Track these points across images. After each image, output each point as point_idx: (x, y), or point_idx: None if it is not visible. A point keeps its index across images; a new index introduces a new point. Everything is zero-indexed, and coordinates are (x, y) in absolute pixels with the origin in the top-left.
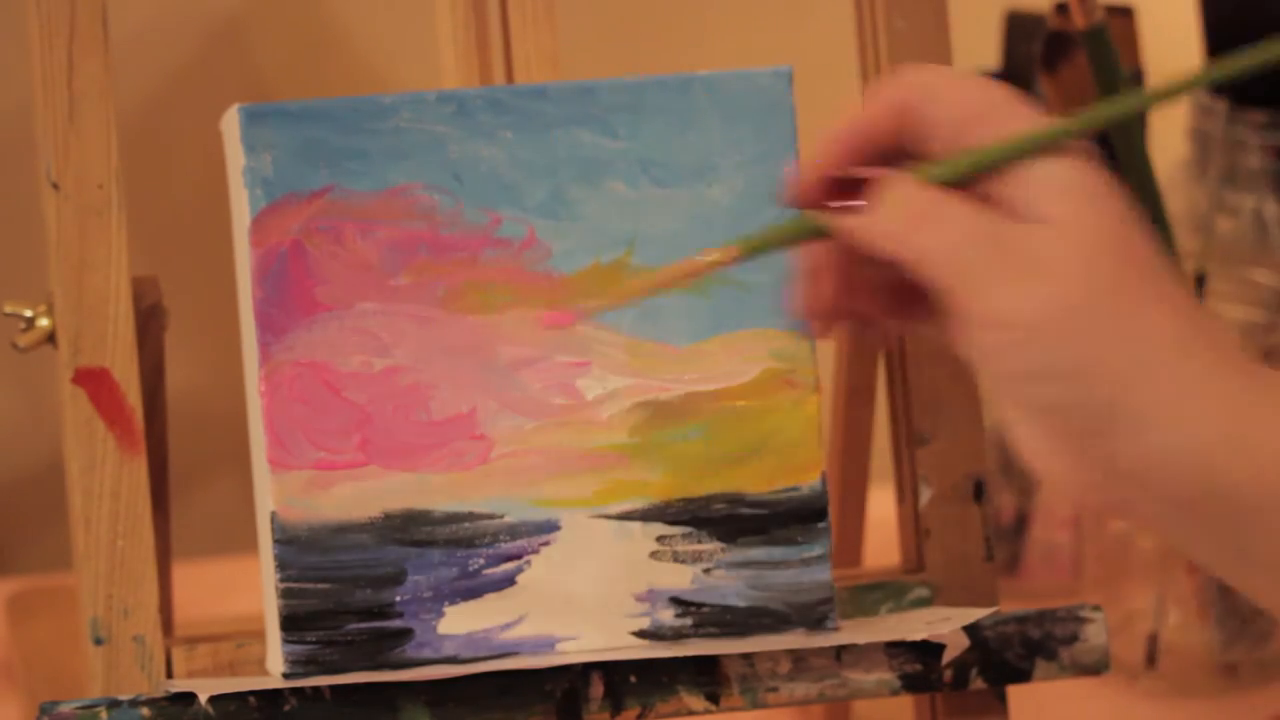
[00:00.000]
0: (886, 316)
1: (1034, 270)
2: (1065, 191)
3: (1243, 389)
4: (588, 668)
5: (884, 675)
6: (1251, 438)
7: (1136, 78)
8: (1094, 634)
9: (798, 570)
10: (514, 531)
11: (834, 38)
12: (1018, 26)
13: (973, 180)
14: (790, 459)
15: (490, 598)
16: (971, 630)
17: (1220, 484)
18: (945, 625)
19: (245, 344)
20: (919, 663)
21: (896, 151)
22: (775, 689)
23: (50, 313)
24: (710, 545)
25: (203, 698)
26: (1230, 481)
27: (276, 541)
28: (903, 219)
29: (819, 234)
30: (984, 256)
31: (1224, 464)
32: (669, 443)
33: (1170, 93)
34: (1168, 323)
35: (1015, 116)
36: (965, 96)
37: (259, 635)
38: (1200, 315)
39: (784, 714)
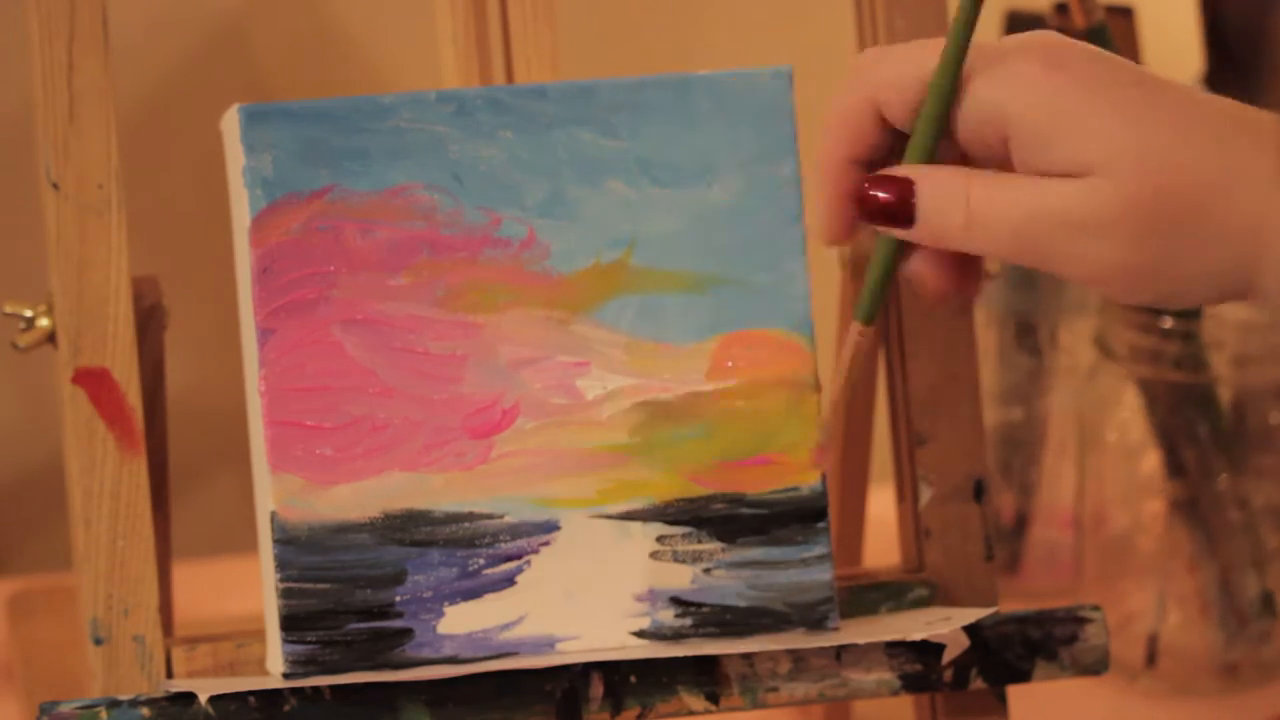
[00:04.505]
0: None
1: (1090, 232)
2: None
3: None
4: (587, 668)
5: (884, 675)
6: None
7: None
8: (1094, 634)
9: (798, 570)
10: (514, 531)
11: (834, 38)
12: (1018, 27)
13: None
14: (790, 459)
15: (490, 598)
16: (971, 630)
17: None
18: (945, 625)
19: (245, 344)
20: (919, 663)
21: (882, 133)
22: (775, 689)
23: (50, 313)
24: (710, 545)
25: (203, 698)
26: None
27: (276, 541)
28: (951, 224)
29: (898, 252)
30: (1046, 234)
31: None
32: (669, 443)
33: None
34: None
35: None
36: (919, 73)
37: (259, 635)
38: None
39: (784, 714)
